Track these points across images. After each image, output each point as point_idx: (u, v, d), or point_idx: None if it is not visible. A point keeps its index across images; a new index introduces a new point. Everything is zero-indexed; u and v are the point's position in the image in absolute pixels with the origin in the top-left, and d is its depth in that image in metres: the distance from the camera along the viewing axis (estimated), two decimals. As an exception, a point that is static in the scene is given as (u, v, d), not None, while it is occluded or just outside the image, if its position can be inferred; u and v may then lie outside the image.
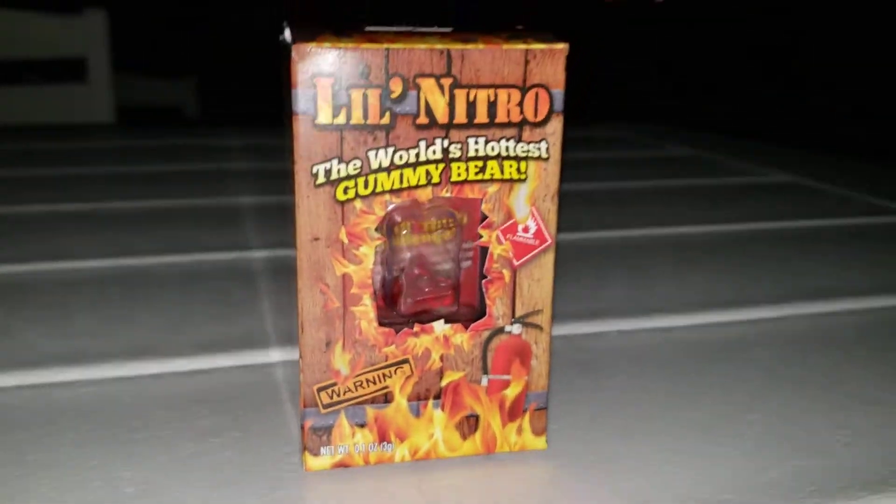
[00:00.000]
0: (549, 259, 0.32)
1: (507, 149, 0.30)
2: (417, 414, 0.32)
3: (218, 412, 0.36)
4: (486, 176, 0.30)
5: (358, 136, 0.29)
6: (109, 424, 0.35)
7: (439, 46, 0.29)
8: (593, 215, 0.70)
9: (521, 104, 0.30)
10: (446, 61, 0.29)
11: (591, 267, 0.57)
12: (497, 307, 0.32)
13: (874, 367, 0.41)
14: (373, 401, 0.31)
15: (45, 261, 0.56)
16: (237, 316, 0.47)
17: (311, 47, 0.28)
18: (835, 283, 0.54)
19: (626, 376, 0.40)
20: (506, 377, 0.32)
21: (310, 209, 0.29)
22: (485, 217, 0.31)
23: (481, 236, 0.31)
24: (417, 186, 0.30)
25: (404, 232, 0.32)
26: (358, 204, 0.30)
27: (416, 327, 0.31)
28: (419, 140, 0.29)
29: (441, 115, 0.29)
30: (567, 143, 0.99)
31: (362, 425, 0.31)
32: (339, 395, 0.31)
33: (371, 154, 0.29)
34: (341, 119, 0.29)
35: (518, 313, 0.32)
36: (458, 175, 0.30)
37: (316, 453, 0.31)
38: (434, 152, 0.30)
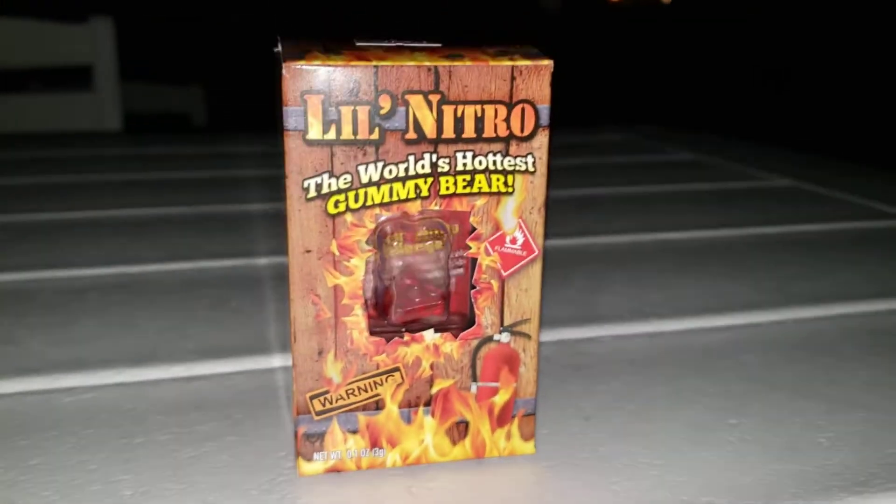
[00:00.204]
0: (536, 269, 0.32)
1: (494, 163, 0.31)
2: (408, 420, 0.32)
3: (216, 418, 0.37)
4: (475, 189, 0.31)
5: (348, 152, 0.30)
6: (110, 429, 0.36)
7: (427, 63, 0.30)
8: (592, 220, 0.71)
9: (507, 119, 0.31)
10: (434, 78, 0.30)
11: (587, 272, 0.57)
12: (486, 316, 0.32)
13: (860, 371, 0.42)
14: (364, 408, 0.32)
15: (50, 269, 0.57)
16: (238, 323, 0.48)
17: (300, 65, 0.29)
18: (829, 287, 0.54)
19: (618, 380, 0.41)
20: (494, 384, 0.33)
21: (301, 222, 0.30)
22: (473, 229, 0.32)
23: (470, 247, 0.32)
24: (407, 200, 0.31)
25: (395, 243, 0.33)
26: (349, 217, 0.30)
27: (407, 336, 0.32)
28: (408, 155, 0.30)
29: (429, 130, 0.30)
30: (568, 148, 1.00)
31: (354, 431, 0.32)
32: (331, 403, 0.32)
33: (361, 168, 0.30)
34: (331, 135, 0.29)
35: (506, 322, 0.33)
36: (447, 188, 0.31)
37: (309, 459, 0.32)
38: (423, 167, 0.31)
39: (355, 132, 0.30)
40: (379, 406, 0.32)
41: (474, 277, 0.32)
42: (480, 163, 0.31)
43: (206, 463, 0.33)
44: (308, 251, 0.30)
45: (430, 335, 0.32)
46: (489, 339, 0.32)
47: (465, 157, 0.31)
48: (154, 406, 0.38)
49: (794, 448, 0.35)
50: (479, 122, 0.30)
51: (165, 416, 0.37)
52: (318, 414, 0.32)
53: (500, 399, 0.33)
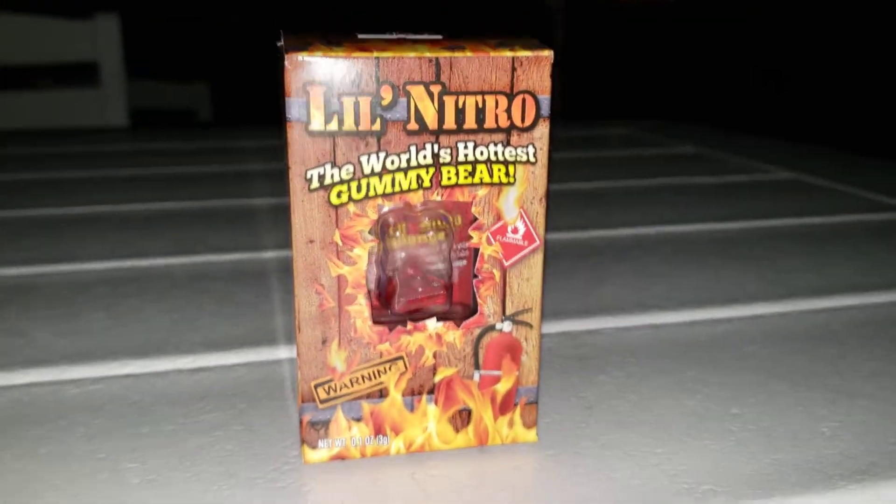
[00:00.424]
0: (538, 259, 0.33)
1: (495, 153, 0.31)
2: (412, 408, 0.33)
3: (222, 408, 0.37)
4: (476, 180, 0.31)
5: (350, 142, 0.30)
6: (117, 419, 0.36)
7: (428, 54, 0.30)
8: (595, 214, 0.71)
9: (508, 110, 0.31)
10: (435, 69, 0.30)
11: (590, 265, 0.57)
12: (488, 306, 0.33)
13: (864, 362, 0.42)
14: (368, 396, 0.32)
15: (57, 263, 0.58)
16: (244, 315, 0.48)
17: (303, 57, 0.29)
18: (833, 279, 0.54)
19: (620, 371, 0.41)
20: (497, 373, 0.33)
21: (304, 213, 0.30)
22: (475, 219, 0.32)
23: (472, 237, 0.32)
24: (409, 190, 0.31)
25: (398, 234, 0.33)
26: (351, 207, 0.31)
27: (410, 325, 0.32)
28: (410, 145, 0.31)
29: (431, 121, 0.30)
30: (571, 142, 1.00)
31: (358, 419, 0.32)
32: (335, 391, 0.32)
33: (363, 159, 0.30)
34: (334, 126, 0.30)
35: (508, 311, 0.33)
36: (449, 179, 0.31)
37: (314, 446, 0.32)
38: (424, 157, 0.31)
39: (357, 123, 0.30)
40: (383, 394, 0.32)
41: (476, 267, 0.32)
42: (482, 153, 0.31)
43: (212, 452, 0.33)
44: (311, 241, 0.31)
45: (432, 324, 0.32)
46: (491, 328, 0.33)
47: (466, 147, 0.31)
48: (161, 397, 0.38)
49: (795, 437, 0.35)
50: (481, 112, 0.31)
51: (172, 406, 0.37)
52: (322, 402, 0.32)
53: (502, 387, 0.33)
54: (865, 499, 0.31)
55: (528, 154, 0.31)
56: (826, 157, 0.99)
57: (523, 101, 0.31)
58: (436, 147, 0.31)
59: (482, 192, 0.32)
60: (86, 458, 0.33)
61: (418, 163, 0.31)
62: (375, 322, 0.32)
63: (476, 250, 0.32)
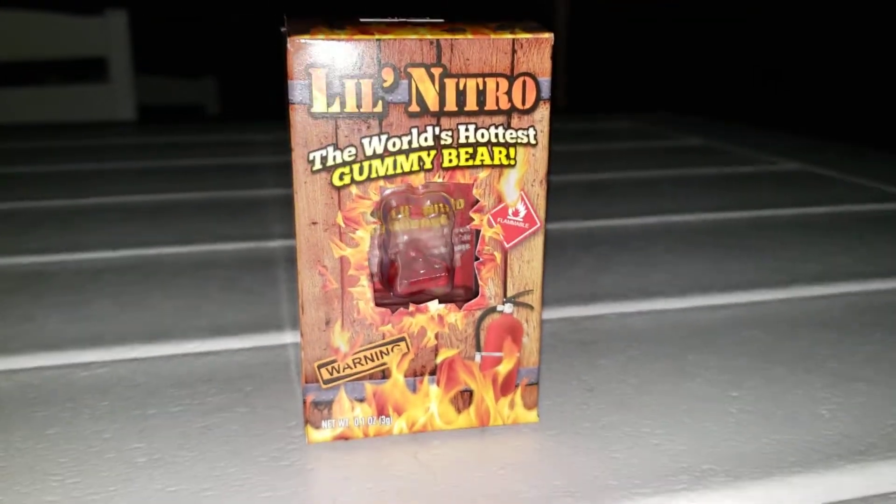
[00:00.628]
0: (538, 241, 0.33)
1: (496, 135, 0.32)
2: (414, 389, 0.33)
3: (227, 390, 0.37)
4: (477, 162, 0.32)
5: (352, 125, 0.30)
6: (124, 402, 0.36)
7: (429, 37, 0.30)
8: (599, 204, 0.71)
9: (509, 92, 0.31)
10: (436, 51, 0.30)
11: (594, 254, 0.58)
12: (489, 287, 0.33)
13: (863, 346, 0.42)
14: (371, 377, 0.33)
15: (67, 252, 0.58)
16: (250, 302, 0.49)
17: (305, 40, 0.29)
18: (835, 267, 0.55)
19: (622, 355, 0.41)
20: (498, 354, 0.33)
21: (307, 195, 0.31)
22: (476, 201, 0.32)
23: (473, 219, 0.32)
24: (410, 172, 0.31)
25: (400, 216, 0.33)
26: (354, 189, 0.31)
27: (412, 307, 0.33)
28: (411, 127, 0.31)
29: (432, 103, 0.31)
30: (578, 135, 1.00)
31: (361, 400, 0.33)
32: (338, 372, 0.32)
33: (365, 141, 0.31)
34: (336, 108, 0.30)
35: (509, 293, 0.33)
36: (450, 161, 0.32)
37: (317, 426, 0.33)
38: (426, 139, 0.31)
39: (359, 105, 0.30)
40: (385, 375, 0.33)
41: (478, 249, 0.33)
42: (483, 135, 0.31)
43: (217, 432, 0.34)
44: (314, 223, 0.31)
45: (434, 306, 0.33)
46: (493, 309, 0.33)
47: (467, 129, 0.31)
48: (167, 380, 0.39)
49: (794, 419, 0.35)
50: (481, 94, 0.31)
51: (178, 389, 0.38)
52: (325, 383, 0.32)
53: (503, 368, 0.34)
54: (864, 478, 0.31)
55: (528, 136, 0.32)
56: (833, 149, 0.99)
57: (524, 83, 0.31)
58: (437, 129, 0.31)
59: (483, 174, 0.32)
60: (93, 438, 0.33)
61: (420, 145, 0.31)
62: (378, 304, 0.32)
63: (477, 232, 0.33)
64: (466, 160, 0.32)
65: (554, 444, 0.33)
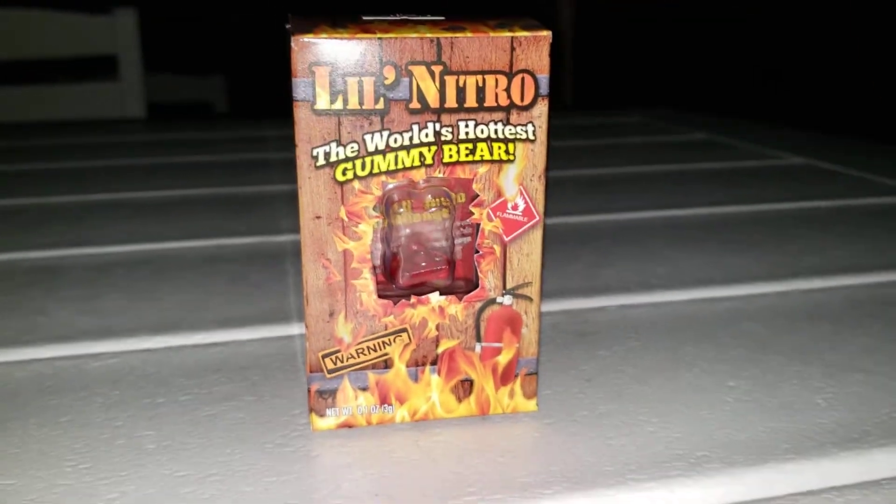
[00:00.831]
0: (537, 235, 0.34)
1: (495, 131, 0.32)
2: (416, 379, 0.34)
3: (235, 380, 0.38)
4: (477, 157, 0.33)
5: (354, 121, 0.31)
6: (134, 391, 0.37)
7: (430, 35, 0.31)
8: (601, 199, 0.72)
9: (508, 89, 0.32)
10: (436, 49, 0.31)
11: (596, 248, 0.58)
12: (489, 280, 0.34)
13: (861, 338, 0.43)
14: (374, 366, 0.34)
15: (78, 246, 0.59)
16: (258, 296, 0.50)
17: (308, 38, 0.30)
18: (836, 260, 0.55)
19: (620, 346, 0.42)
20: (498, 345, 0.34)
21: (311, 190, 0.32)
22: (476, 196, 0.33)
23: (473, 213, 0.33)
24: (412, 168, 0.32)
25: (402, 210, 0.34)
26: (356, 184, 0.32)
27: (413, 299, 0.33)
28: (412, 124, 0.32)
29: (432, 100, 0.32)
30: (582, 130, 1.00)
31: (364, 389, 0.34)
32: (342, 362, 0.33)
33: (367, 137, 0.32)
34: (338, 105, 0.31)
35: (509, 285, 0.34)
36: (450, 157, 0.32)
37: (322, 414, 0.34)
38: (427, 135, 0.32)
39: (361, 102, 0.31)
40: (387, 365, 0.34)
41: (477, 242, 0.33)
42: (482, 131, 0.32)
43: (225, 420, 0.35)
44: (318, 217, 0.32)
45: (435, 298, 0.33)
46: (492, 301, 0.34)
47: (467, 125, 0.32)
48: (176, 370, 0.40)
49: (790, 408, 0.36)
50: (481, 91, 0.32)
51: (187, 378, 0.39)
52: (329, 372, 0.33)
53: (503, 359, 0.34)
54: (857, 465, 0.32)
55: (527, 132, 0.33)
56: (840, 144, 0.99)
57: (522, 80, 0.32)
58: (437, 125, 0.32)
59: (483, 169, 0.33)
60: (104, 425, 0.34)
61: (420, 141, 0.32)
62: (380, 296, 0.33)
63: (477, 225, 0.33)
64: (466, 156, 0.32)
65: (552, 432, 0.34)
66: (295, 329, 0.44)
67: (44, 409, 0.36)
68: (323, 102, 0.31)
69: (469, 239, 0.36)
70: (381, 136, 0.32)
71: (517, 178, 0.33)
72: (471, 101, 0.32)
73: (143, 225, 0.65)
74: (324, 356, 0.33)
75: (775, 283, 0.51)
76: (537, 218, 0.34)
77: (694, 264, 0.55)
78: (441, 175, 0.33)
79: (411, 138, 0.32)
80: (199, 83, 2.16)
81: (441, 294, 0.34)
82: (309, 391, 0.33)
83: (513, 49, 0.32)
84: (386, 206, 0.34)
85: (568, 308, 0.47)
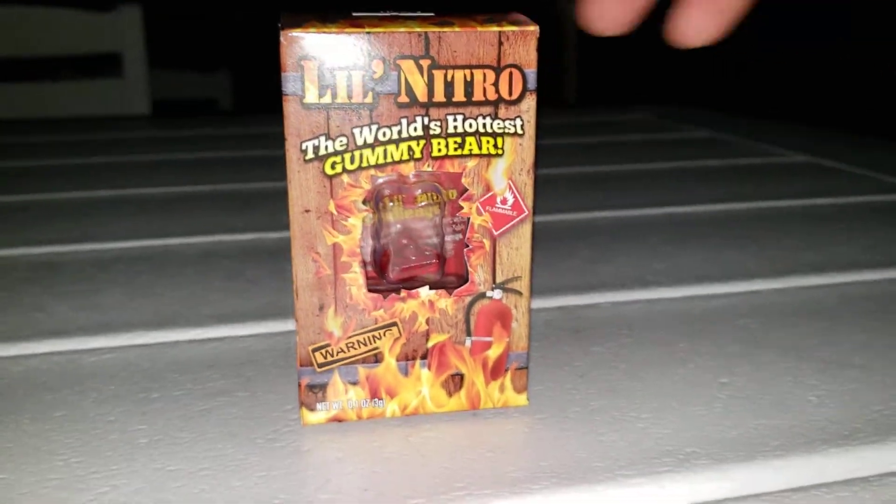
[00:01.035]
0: (526, 229, 0.34)
1: (484, 125, 0.32)
2: (406, 373, 0.34)
3: (228, 376, 0.39)
4: (465, 151, 0.33)
5: (343, 115, 0.31)
6: (129, 386, 0.38)
7: (418, 30, 0.31)
8: (601, 196, 0.72)
9: (496, 83, 0.32)
10: (424, 43, 0.31)
11: (593, 245, 0.58)
12: (479, 274, 0.34)
13: (857, 334, 0.43)
14: (364, 360, 0.34)
15: (77, 242, 0.60)
16: (254, 291, 0.50)
17: (297, 33, 0.30)
18: (834, 258, 0.55)
19: (614, 342, 0.42)
20: (488, 339, 0.34)
21: (300, 183, 0.32)
22: (465, 190, 0.33)
23: (462, 208, 0.33)
24: (400, 161, 0.32)
25: (391, 205, 0.34)
26: (345, 178, 0.32)
27: (403, 293, 0.33)
28: (401, 118, 0.32)
29: (421, 94, 0.32)
30: (587, 128, 1.00)
31: (355, 383, 0.34)
32: (332, 356, 0.33)
33: (356, 131, 0.32)
34: (327, 99, 0.31)
35: (498, 279, 0.34)
36: (439, 151, 0.32)
37: (312, 409, 0.34)
38: (415, 129, 0.32)
39: (350, 96, 0.31)
40: (378, 359, 0.34)
41: (467, 236, 0.33)
42: (471, 125, 0.32)
43: (217, 415, 0.35)
44: (307, 211, 0.32)
45: (425, 292, 0.33)
46: (482, 295, 0.34)
47: (455, 119, 0.32)
48: (171, 365, 0.40)
49: (783, 405, 0.36)
50: (469, 86, 0.32)
51: (180, 374, 0.39)
52: (319, 366, 0.33)
53: (493, 353, 0.34)
54: (847, 462, 0.32)
55: (515, 126, 0.32)
56: (846, 141, 0.98)
57: (510, 74, 0.32)
58: (426, 119, 0.32)
59: (471, 163, 0.33)
60: (98, 420, 0.35)
61: (409, 135, 0.32)
62: (370, 290, 0.33)
63: (466, 220, 0.33)
64: (455, 149, 0.32)
65: (542, 427, 0.34)
66: (290, 325, 0.44)
67: (38, 404, 0.36)
68: (312, 96, 0.31)
69: (460, 235, 0.36)
70: (370, 129, 0.32)
71: (506, 173, 0.33)
72: (459, 95, 0.32)
73: (146, 221, 0.65)
74: (314, 350, 0.33)
75: (772, 279, 0.51)
76: (526, 212, 0.34)
77: (692, 260, 0.55)
78: (430, 169, 0.33)
79: (400, 132, 0.32)
80: (204, 80, 2.16)
81: (431, 288, 0.34)
82: (299, 385, 0.33)
83: (500, 44, 0.32)
84: (376, 200, 0.34)
85: (563, 304, 0.47)
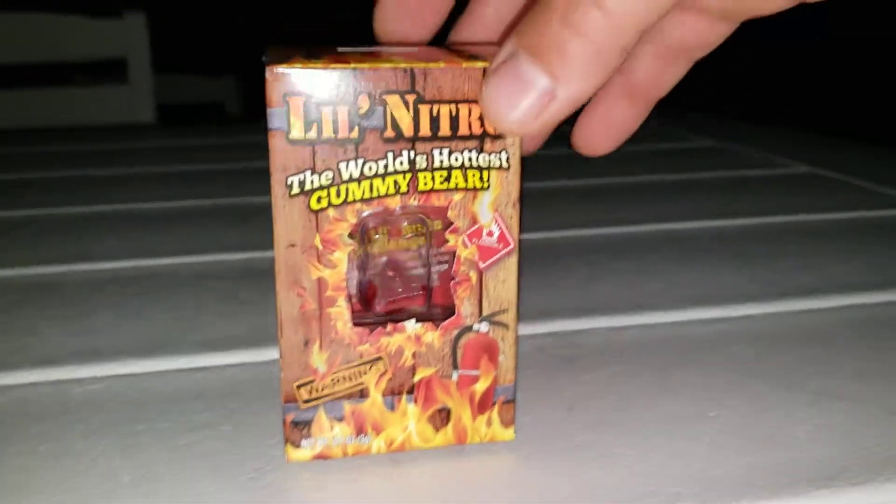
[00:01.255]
0: (512, 261, 0.33)
1: (469, 159, 0.32)
2: (392, 408, 0.34)
3: (214, 407, 0.38)
4: (451, 185, 0.32)
5: (329, 150, 0.31)
6: (116, 417, 0.38)
7: (403, 66, 0.31)
8: (600, 211, 0.72)
9: (481, 118, 0.32)
10: (410, 79, 0.31)
11: (587, 264, 0.58)
12: (465, 307, 0.34)
13: (849, 363, 0.42)
14: (349, 396, 0.33)
15: (74, 262, 0.60)
16: (245, 314, 0.50)
17: (282, 69, 0.30)
18: (829, 278, 0.54)
19: (604, 371, 0.41)
20: (475, 372, 0.34)
21: (286, 218, 0.32)
22: (451, 223, 0.33)
23: (448, 240, 0.33)
24: (387, 195, 0.32)
25: (377, 237, 0.34)
26: (331, 212, 0.32)
27: (389, 326, 0.33)
28: (387, 152, 0.32)
29: (406, 128, 0.31)
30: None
31: (340, 419, 0.34)
32: (317, 392, 0.33)
33: (342, 166, 0.31)
34: (313, 134, 0.31)
35: (485, 312, 0.34)
36: (425, 184, 0.32)
37: (297, 445, 0.34)
38: (401, 163, 0.32)
39: (336, 131, 0.31)
40: (363, 394, 0.33)
41: (453, 269, 0.33)
42: (456, 159, 0.32)
43: (201, 449, 0.35)
44: (292, 245, 0.32)
45: (411, 325, 0.33)
46: (468, 328, 0.34)
47: (441, 154, 0.32)
48: (159, 395, 0.40)
49: (770, 441, 0.35)
50: (454, 120, 0.32)
51: (168, 404, 0.39)
52: (304, 402, 0.33)
53: (480, 387, 0.34)
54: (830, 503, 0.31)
55: (500, 160, 0.32)
56: (851, 150, 0.98)
57: (496, 109, 0.31)
58: (412, 154, 0.32)
59: (458, 196, 0.32)
60: (82, 454, 0.34)
61: (395, 169, 0.32)
62: (356, 324, 0.33)
63: (452, 253, 0.33)
64: (441, 183, 0.32)
65: (527, 464, 0.33)
66: (277, 353, 0.44)
67: (23, 436, 0.36)
68: (297, 132, 0.31)
69: (446, 266, 0.36)
70: (356, 164, 0.31)
71: (492, 206, 0.33)
72: (444, 129, 0.32)
73: (144, 239, 0.65)
74: (298, 386, 0.33)
75: (767, 303, 0.50)
76: (512, 245, 0.33)
77: (688, 281, 0.54)
78: (416, 202, 0.32)
79: (386, 166, 0.32)
80: (210, 84, 2.16)
81: (417, 321, 0.33)
82: (284, 422, 0.33)
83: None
84: (362, 233, 0.34)
85: (555, 330, 0.47)
